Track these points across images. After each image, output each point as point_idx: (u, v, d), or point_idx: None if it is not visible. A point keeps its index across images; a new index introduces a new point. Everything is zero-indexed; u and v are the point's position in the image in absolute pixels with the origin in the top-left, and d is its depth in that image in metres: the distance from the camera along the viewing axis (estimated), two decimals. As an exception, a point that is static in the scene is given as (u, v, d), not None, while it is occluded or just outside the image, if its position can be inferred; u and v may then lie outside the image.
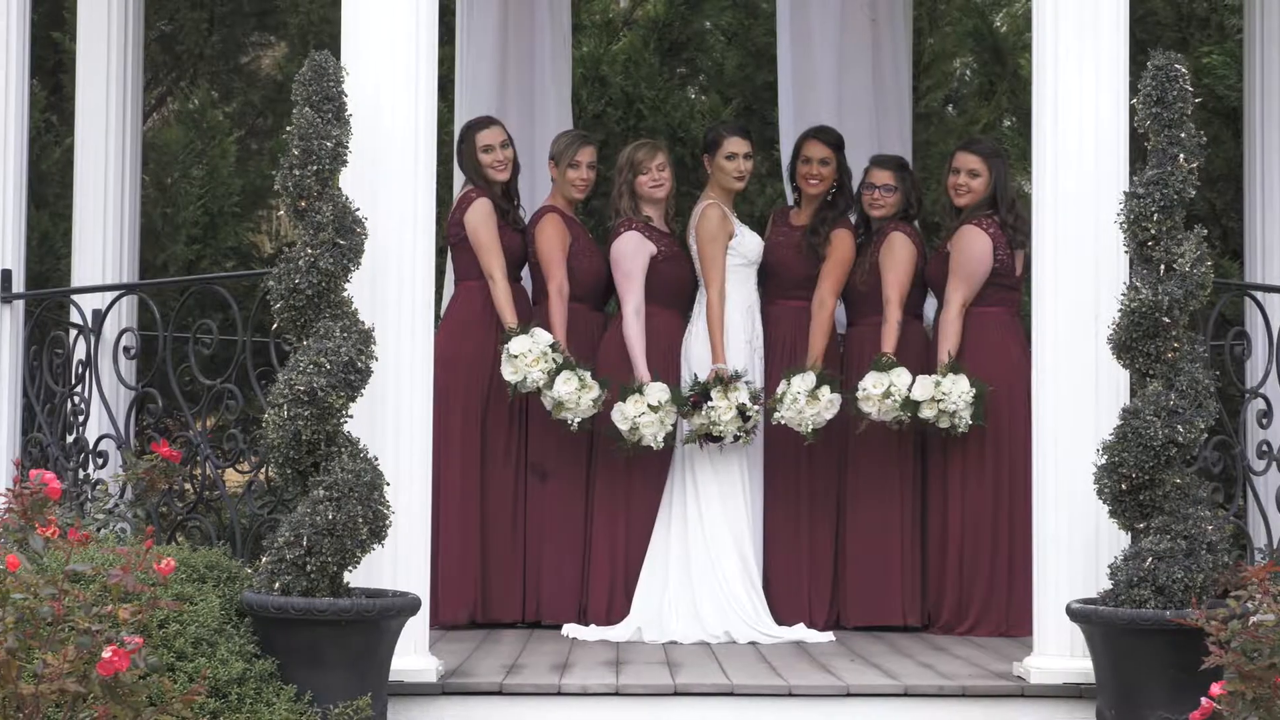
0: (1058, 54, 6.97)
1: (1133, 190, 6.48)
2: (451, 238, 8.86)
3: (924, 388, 8.35)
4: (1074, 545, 6.82)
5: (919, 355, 8.66)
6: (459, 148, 9.06)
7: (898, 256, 8.78)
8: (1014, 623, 8.41)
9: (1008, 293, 8.74)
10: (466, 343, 8.66)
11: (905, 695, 6.89)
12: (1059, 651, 6.84)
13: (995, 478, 8.57)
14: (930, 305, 9.00)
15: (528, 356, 8.35)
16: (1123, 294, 6.46)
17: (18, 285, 8.13)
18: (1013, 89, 13.29)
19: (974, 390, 8.33)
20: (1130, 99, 6.75)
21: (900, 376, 8.38)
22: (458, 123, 9.63)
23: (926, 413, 8.35)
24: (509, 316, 8.57)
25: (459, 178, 9.11)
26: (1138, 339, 6.39)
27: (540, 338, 8.42)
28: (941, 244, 8.90)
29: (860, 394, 8.41)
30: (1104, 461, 6.41)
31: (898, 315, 8.69)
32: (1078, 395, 6.85)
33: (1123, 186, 6.72)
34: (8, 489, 5.66)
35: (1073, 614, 6.50)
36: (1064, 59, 6.95)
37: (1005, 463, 8.53)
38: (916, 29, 11.26)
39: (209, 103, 13.52)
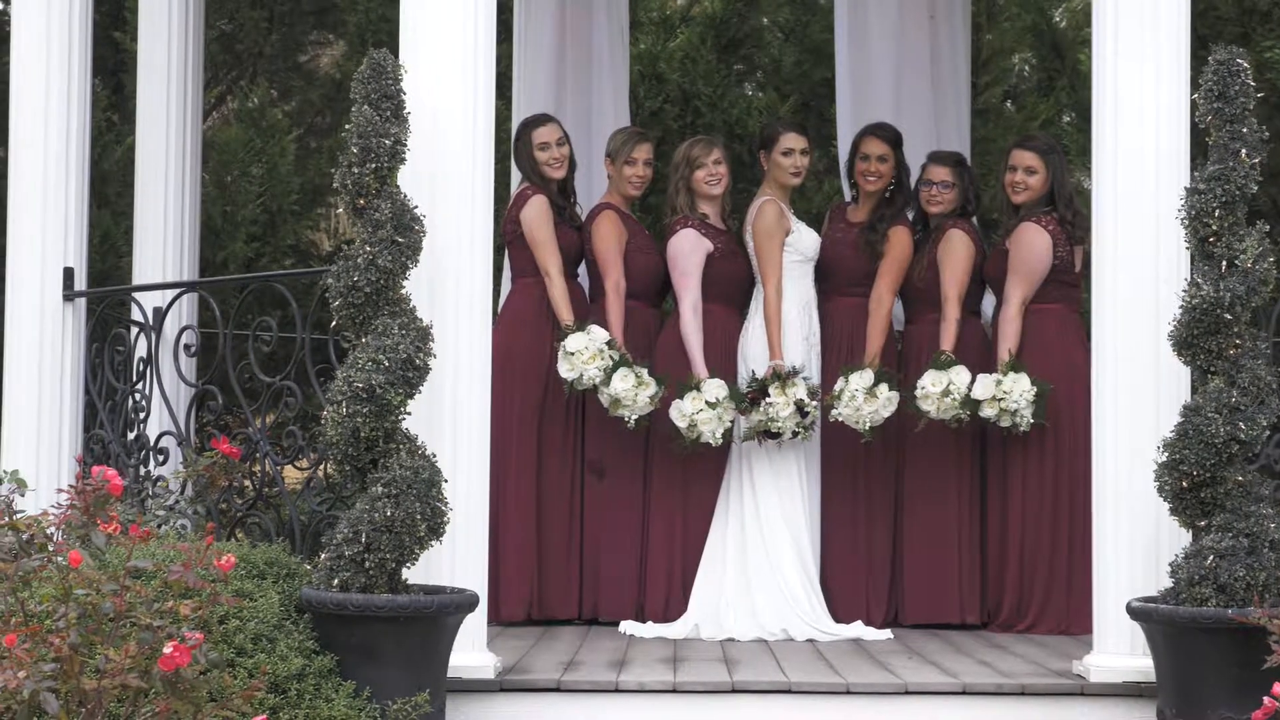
0: (1118, 49, 6.92)
1: (1194, 186, 6.43)
2: (508, 235, 8.88)
3: (985, 386, 8.32)
4: (1134, 543, 6.78)
5: (978, 353, 8.62)
6: (515, 145, 9.08)
7: (956, 253, 8.74)
8: (1073, 621, 8.36)
9: (1068, 290, 8.69)
10: (523, 340, 8.67)
11: (964, 693, 6.86)
12: (1119, 650, 6.80)
13: (1055, 475, 8.52)
14: (989, 302, 8.95)
15: (584, 353, 8.35)
16: (1184, 291, 6.41)
17: (80, 283, 8.20)
18: (1072, 84, 13.21)
19: (1035, 389, 8.29)
20: (1191, 94, 6.70)
21: (959, 375, 8.35)
22: (515, 120, 9.65)
23: (987, 411, 8.31)
24: (565, 313, 8.58)
25: (516, 175, 9.12)
26: (1199, 336, 6.35)
27: (596, 334, 8.42)
28: (1000, 241, 8.86)
29: (919, 392, 8.38)
30: (1165, 459, 6.37)
31: (956, 313, 8.66)
32: (1138, 392, 6.81)
33: (1184, 182, 6.67)
34: (70, 485, 5.70)
35: (1133, 612, 6.46)
36: (1124, 54, 6.91)
37: (1065, 460, 8.48)
38: (975, 24, 11.21)
39: (268, 101, 13.59)
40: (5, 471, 7.25)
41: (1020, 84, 14.18)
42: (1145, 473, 6.53)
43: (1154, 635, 6.40)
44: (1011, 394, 8.27)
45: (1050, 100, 13.42)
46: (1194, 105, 6.58)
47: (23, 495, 6.91)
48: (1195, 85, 6.58)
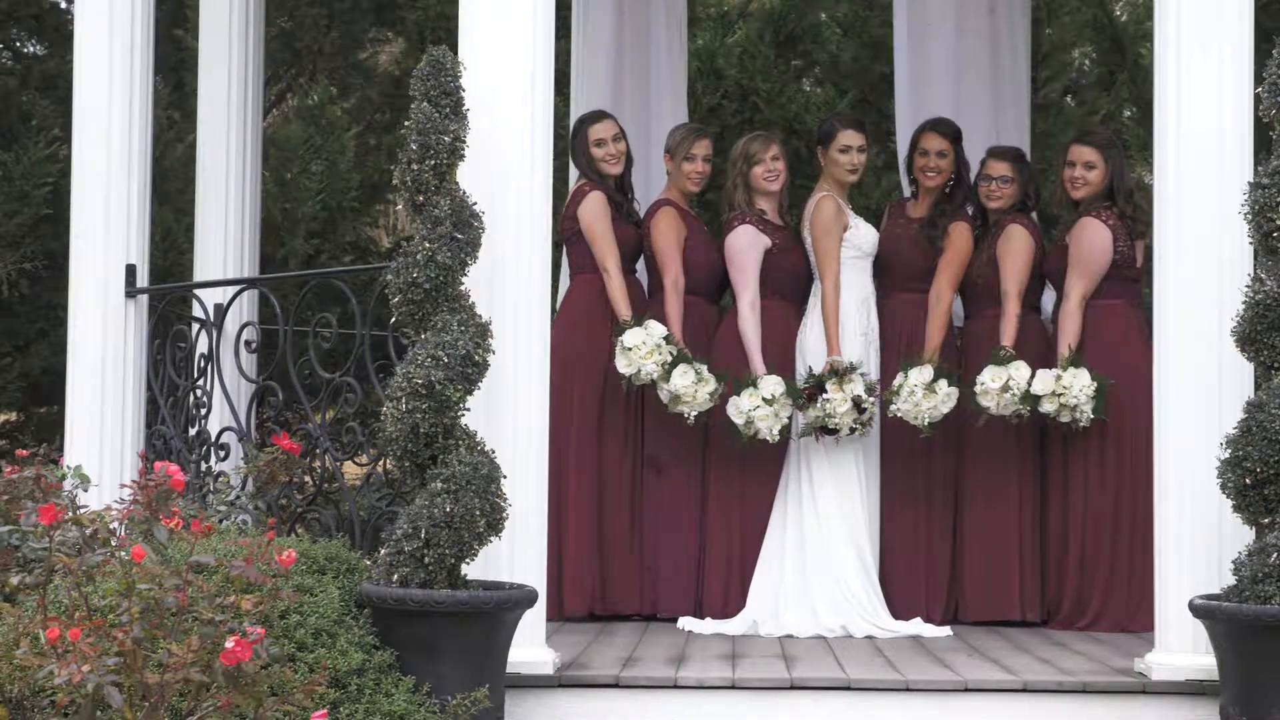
0: (1180, 43, 6.87)
1: (1257, 181, 6.38)
2: (566, 231, 8.89)
3: (1044, 382, 8.27)
4: (1196, 540, 6.73)
5: (1038, 348, 8.58)
6: (572, 142, 9.08)
7: (1016, 249, 8.70)
8: (1135, 618, 8.31)
9: (1128, 285, 8.64)
10: (582, 336, 8.68)
11: (1024, 691, 6.83)
12: (1181, 648, 6.75)
13: (1116, 471, 8.47)
14: (1049, 298, 8.91)
15: (641, 349, 8.35)
16: (1247, 286, 6.36)
17: (142, 280, 8.25)
18: (1133, 79, 13.12)
19: (1095, 384, 8.24)
20: (1255, 88, 6.64)
21: (1019, 370, 8.31)
22: (573, 116, 9.65)
23: (1047, 407, 8.27)
24: (624, 309, 8.58)
25: (575, 172, 9.13)
26: (1262, 331, 6.29)
27: (654, 330, 8.42)
28: (1060, 236, 8.81)
29: (979, 388, 8.34)
30: (1228, 455, 6.32)
31: (1016, 308, 8.62)
32: (1200, 388, 6.76)
33: (1247, 177, 6.61)
34: (133, 481, 5.74)
35: (1195, 610, 6.41)
36: (1187, 48, 6.86)
37: (1126, 456, 8.43)
38: (1035, 19, 11.15)
39: (328, 98, 13.65)
40: (69, 467, 7.31)
41: (1080, 78, 14.10)
42: (1208, 469, 6.48)
43: (1217, 633, 6.35)
44: (1071, 389, 8.23)
45: (1111, 95, 13.34)
46: (1258, 99, 6.52)
47: (86, 490, 6.97)
48: (1259, 79, 6.52)
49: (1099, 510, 8.50)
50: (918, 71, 9.95)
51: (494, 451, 6.44)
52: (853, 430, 8.38)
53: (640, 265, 9.01)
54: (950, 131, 8.96)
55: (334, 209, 13.19)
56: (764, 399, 8.31)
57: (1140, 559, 8.06)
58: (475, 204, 6.54)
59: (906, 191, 9.31)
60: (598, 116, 9.04)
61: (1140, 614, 8.10)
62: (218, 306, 8.47)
